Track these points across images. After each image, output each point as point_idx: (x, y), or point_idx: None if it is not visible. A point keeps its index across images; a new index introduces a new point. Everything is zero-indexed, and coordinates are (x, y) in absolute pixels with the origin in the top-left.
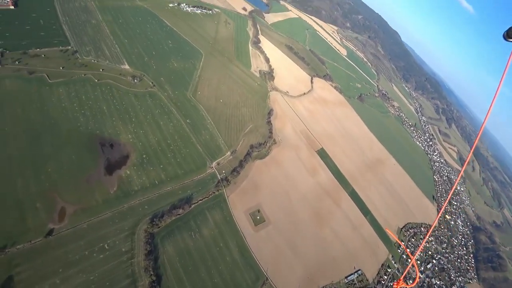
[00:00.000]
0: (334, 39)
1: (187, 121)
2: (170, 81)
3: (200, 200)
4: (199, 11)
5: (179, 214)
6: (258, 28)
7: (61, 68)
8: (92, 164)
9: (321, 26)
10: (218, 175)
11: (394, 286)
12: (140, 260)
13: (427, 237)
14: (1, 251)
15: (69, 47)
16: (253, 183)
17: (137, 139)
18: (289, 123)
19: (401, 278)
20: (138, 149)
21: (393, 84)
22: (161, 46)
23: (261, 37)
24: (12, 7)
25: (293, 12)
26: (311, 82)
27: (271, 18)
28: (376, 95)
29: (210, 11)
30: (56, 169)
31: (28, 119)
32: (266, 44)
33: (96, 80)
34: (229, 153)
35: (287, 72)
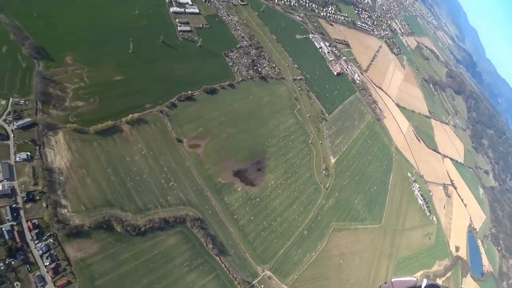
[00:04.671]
0: None
1: (305, 232)
2: (336, 208)
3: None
4: (421, 202)
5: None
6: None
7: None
8: (239, 159)
9: None
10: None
11: None
12: None
13: None
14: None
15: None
16: None
17: (272, 191)
18: None
19: None
20: (263, 194)
21: None
22: (366, 183)
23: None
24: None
25: None
26: None
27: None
28: None
29: (429, 213)
30: (234, 133)
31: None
32: None
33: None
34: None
35: None
